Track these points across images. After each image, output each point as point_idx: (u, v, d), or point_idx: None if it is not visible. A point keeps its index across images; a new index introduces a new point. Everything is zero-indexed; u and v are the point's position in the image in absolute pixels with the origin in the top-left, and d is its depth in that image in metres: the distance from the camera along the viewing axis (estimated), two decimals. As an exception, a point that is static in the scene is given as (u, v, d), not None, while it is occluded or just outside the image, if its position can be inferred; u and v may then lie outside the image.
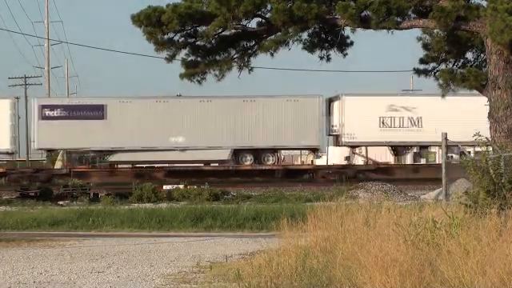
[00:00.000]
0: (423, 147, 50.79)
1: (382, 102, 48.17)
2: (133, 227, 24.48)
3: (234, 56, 20.89)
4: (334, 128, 48.28)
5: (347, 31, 20.27)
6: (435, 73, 21.93)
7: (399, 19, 19.33)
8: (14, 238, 21.63)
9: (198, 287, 12.69)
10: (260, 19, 20.18)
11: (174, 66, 21.30)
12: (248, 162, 47.49)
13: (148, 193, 34.95)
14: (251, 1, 18.93)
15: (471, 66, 21.30)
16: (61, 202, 34.56)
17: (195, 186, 37.79)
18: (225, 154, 47.75)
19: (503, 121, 18.56)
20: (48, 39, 70.14)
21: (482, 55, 21.19)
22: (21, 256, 17.51)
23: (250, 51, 20.87)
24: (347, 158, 77.46)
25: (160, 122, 46.62)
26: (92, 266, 15.55)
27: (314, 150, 49.93)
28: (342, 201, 17.25)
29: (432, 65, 22.17)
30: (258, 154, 47.63)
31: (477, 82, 19.63)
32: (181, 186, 38.36)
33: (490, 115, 18.87)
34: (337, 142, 49.53)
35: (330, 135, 49.26)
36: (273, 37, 20.26)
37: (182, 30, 20.20)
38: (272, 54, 20.44)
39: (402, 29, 19.48)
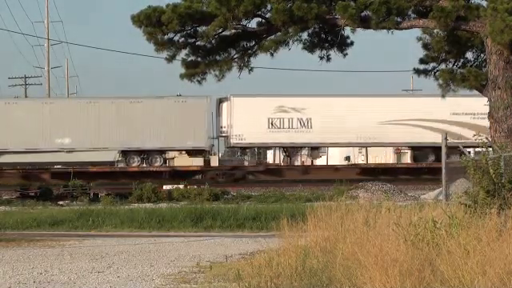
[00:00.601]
0: (314, 148, 50.84)
1: (271, 102, 47.94)
2: (133, 227, 24.49)
3: (234, 56, 20.88)
4: (223, 129, 48.08)
5: (347, 31, 20.28)
6: (435, 73, 21.93)
7: (399, 19, 19.32)
8: (13, 237, 21.64)
9: (198, 287, 12.69)
10: (260, 19, 20.17)
11: (174, 66, 21.30)
12: (136, 163, 47.24)
13: (148, 193, 34.99)
14: (251, 1, 18.92)
15: (471, 65, 21.29)
16: (61, 202, 34.59)
17: (195, 186, 37.85)
18: (111, 156, 47.41)
19: (503, 121, 18.55)
20: (48, 39, 70.13)
21: (482, 55, 21.18)
22: (21, 256, 17.52)
23: (250, 51, 20.86)
24: (347, 158, 77.59)
25: (46, 124, 46.29)
26: (92, 265, 15.55)
27: (202, 152, 49.09)
28: (342, 201, 17.24)
29: (432, 65, 22.16)
30: (146, 155, 47.44)
31: (477, 81, 19.63)
32: (181, 186, 38.40)
33: (490, 115, 18.86)
34: (226, 143, 49.46)
35: (219, 136, 49.10)
36: (273, 37, 20.25)
37: (182, 30, 20.19)
38: (272, 54, 20.44)
39: (402, 29, 19.48)
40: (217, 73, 20.79)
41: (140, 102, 47.42)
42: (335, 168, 49.76)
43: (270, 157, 59.46)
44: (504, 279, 8.71)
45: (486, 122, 54.62)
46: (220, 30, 20.08)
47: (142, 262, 16.04)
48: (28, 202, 33.46)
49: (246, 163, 54.88)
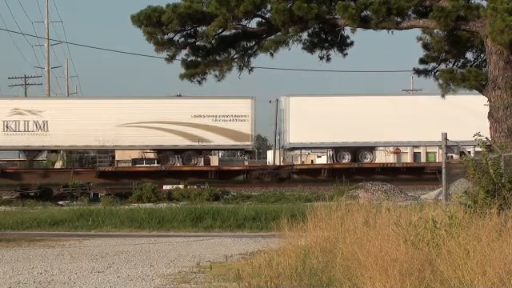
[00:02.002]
0: (52, 151, 51.49)
1: (6, 105, 48.43)
2: (133, 227, 24.48)
3: (234, 56, 20.89)
4: None
5: (347, 31, 20.29)
6: (435, 73, 21.93)
7: (399, 19, 19.33)
8: (14, 237, 21.62)
9: (198, 287, 12.69)
10: (260, 19, 20.18)
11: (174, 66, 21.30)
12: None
13: (148, 193, 35.00)
14: (251, 1, 18.92)
15: (471, 65, 21.30)
16: (61, 202, 34.60)
17: (195, 186, 37.84)
18: None
19: (503, 121, 18.56)
20: (48, 39, 70.16)
21: (482, 55, 21.20)
22: (21, 256, 17.51)
23: (250, 51, 20.87)
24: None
25: None
26: (92, 265, 15.54)
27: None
28: (342, 201, 17.24)
29: (432, 65, 22.18)
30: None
31: (477, 81, 19.63)
32: (181, 186, 38.40)
33: (490, 115, 18.87)
34: None
35: None
36: (273, 37, 20.26)
37: (182, 30, 20.20)
38: (272, 54, 20.45)
39: (402, 29, 19.48)
40: (217, 73, 20.81)
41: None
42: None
43: (270, 157, 59.55)
44: (504, 279, 8.71)
45: (228, 124, 56.11)
46: (220, 30, 20.09)
47: (141, 262, 16.03)
48: (28, 202, 33.46)
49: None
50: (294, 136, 49.38)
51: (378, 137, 49.23)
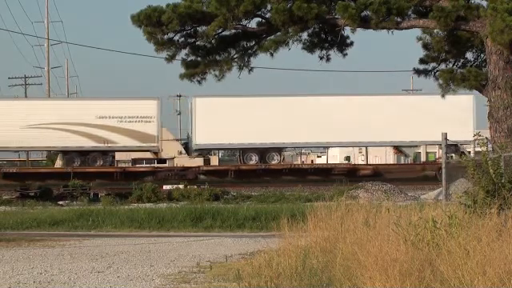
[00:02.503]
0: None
1: None
2: (133, 227, 24.49)
3: (234, 56, 20.87)
4: None
5: (347, 31, 20.27)
6: (435, 73, 21.92)
7: (399, 19, 19.31)
8: (14, 237, 21.63)
9: (198, 287, 12.69)
10: (260, 19, 20.16)
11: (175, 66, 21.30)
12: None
13: (148, 193, 35.02)
14: (251, 1, 18.91)
15: (471, 65, 21.28)
16: (61, 202, 34.61)
17: (195, 186, 37.85)
18: None
19: (503, 121, 18.55)
20: (48, 39, 70.18)
21: (482, 55, 21.18)
22: (21, 256, 17.51)
23: (250, 51, 20.86)
24: (347, 158, 77.64)
25: None
26: (92, 265, 15.54)
27: None
28: (342, 201, 17.23)
29: (432, 65, 22.16)
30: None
31: (477, 81, 19.62)
32: (181, 186, 38.41)
33: (490, 115, 18.86)
34: None
35: None
36: (273, 37, 20.25)
37: (182, 30, 20.18)
38: (272, 54, 20.43)
39: (402, 29, 19.47)
40: (217, 73, 20.79)
41: None
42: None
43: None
44: (504, 279, 8.71)
45: (133, 126, 56.44)
46: (220, 30, 20.08)
47: (141, 262, 16.03)
48: (28, 202, 33.48)
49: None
50: (200, 137, 49.58)
51: (286, 138, 49.19)
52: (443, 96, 21.95)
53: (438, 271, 9.48)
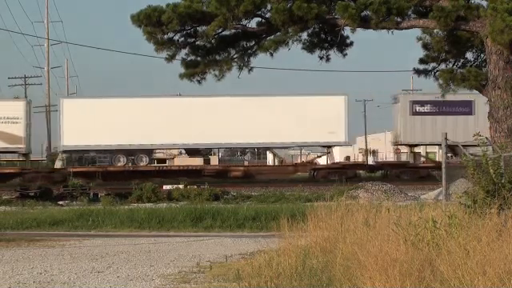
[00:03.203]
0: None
1: None
2: (133, 227, 24.48)
3: (234, 56, 20.87)
4: None
5: (347, 31, 20.27)
6: (435, 73, 21.92)
7: (399, 19, 19.31)
8: (13, 237, 21.62)
9: (198, 287, 12.69)
10: (260, 19, 20.16)
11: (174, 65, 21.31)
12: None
13: (148, 193, 34.98)
14: (251, 1, 18.91)
15: (471, 65, 21.29)
16: (61, 202, 34.59)
17: (195, 186, 37.82)
18: None
19: (503, 121, 18.55)
20: (48, 39, 70.17)
21: (481, 55, 21.18)
22: (21, 256, 17.51)
23: (249, 51, 20.85)
24: (347, 158, 77.73)
25: None
26: (92, 265, 15.54)
27: None
28: (342, 201, 17.23)
29: (432, 65, 22.17)
30: None
31: (477, 81, 19.62)
32: (181, 186, 38.39)
33: (490, 115, 18.86)
34: None
35: None
36: (273, 37, 20.25)
37: (181, 30, 20.18)
38: (272, 54, 20.43)
39: (402, 29, 19.47)
40: (216, 73, 20.79)
41: None
42: None
43: (270, 157, 59.74)
44: (504, 279, 8.71)
45: (10, 128, 55.43)
46: (220, 30, 20.08)
47: (141, 262, 16.03)
48: (28, 202, 33.46)
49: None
50: (68, 139, 49.43)
51: (155, 139, 49.23)
52: (443, 96, 21.96)
53: (437, 271, 9.48)
